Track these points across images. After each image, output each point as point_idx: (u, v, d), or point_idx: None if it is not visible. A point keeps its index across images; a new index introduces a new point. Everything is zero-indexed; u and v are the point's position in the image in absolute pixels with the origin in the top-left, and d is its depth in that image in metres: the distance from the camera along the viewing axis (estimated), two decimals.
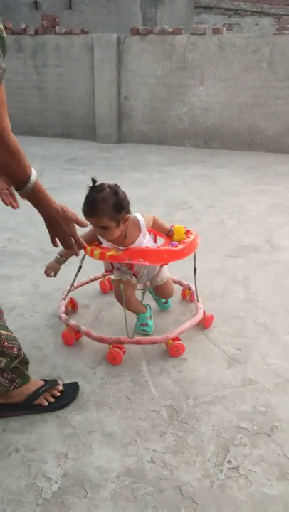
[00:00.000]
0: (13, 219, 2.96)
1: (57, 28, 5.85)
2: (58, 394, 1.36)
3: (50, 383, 1.36)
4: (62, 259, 1.64)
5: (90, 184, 1.45)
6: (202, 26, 5.42)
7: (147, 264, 1.52)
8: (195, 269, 1.76)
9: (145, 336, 1.67)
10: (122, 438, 1.24)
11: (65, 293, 1.86)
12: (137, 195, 3.61)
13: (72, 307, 1.88)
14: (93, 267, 1.96)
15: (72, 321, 1.67)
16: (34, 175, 1.09)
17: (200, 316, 1.73)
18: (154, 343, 1.59)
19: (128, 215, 1.50)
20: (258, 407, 1.35)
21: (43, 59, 6.02)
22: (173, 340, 1.59)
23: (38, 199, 1.14)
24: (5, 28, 5.57)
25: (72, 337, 1.65)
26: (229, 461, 1.16)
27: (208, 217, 3.11)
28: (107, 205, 1.43)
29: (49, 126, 6.33)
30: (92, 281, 2.03)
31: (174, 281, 1.95)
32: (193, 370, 1.52)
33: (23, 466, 1.15)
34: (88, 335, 1.60)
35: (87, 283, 2.01)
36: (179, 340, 1.61)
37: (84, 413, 1.33)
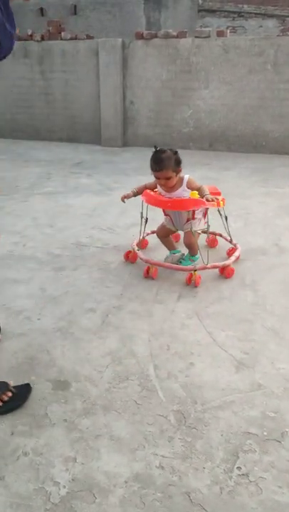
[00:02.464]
0: (20, 223, 2.98)
1: (62, 33, 5.90)
2: (6, 399, 1.34)
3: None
4: (136, 192, 2.32)
5: (153, 150, 2.13)
6: (206, 29, 5.43)
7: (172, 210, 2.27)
8: (226, 217, 2.44)
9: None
10: (129, 443, 1.23)
11: (139, 236, 2.45)
12: None
13: (143, 245, 2.52)
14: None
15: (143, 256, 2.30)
16: None
17: (239, 248, 2.42)
18: (216, 267, 2.25)
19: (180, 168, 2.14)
20: (267, 412, 1.34)
21: (49, 64, 6.06)
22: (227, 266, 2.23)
23: None
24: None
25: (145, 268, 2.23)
26: (239, 468, 1.15)
27: (215, 220, 3.09)
28: (170, 161, 2.07)
29: (55, 130, 6.37)
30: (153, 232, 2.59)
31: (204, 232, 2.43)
32: (201, 375, 1.51)
33: (32, 470, 1.15)
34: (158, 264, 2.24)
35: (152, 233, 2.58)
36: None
37: (91, 417, 1.32)
